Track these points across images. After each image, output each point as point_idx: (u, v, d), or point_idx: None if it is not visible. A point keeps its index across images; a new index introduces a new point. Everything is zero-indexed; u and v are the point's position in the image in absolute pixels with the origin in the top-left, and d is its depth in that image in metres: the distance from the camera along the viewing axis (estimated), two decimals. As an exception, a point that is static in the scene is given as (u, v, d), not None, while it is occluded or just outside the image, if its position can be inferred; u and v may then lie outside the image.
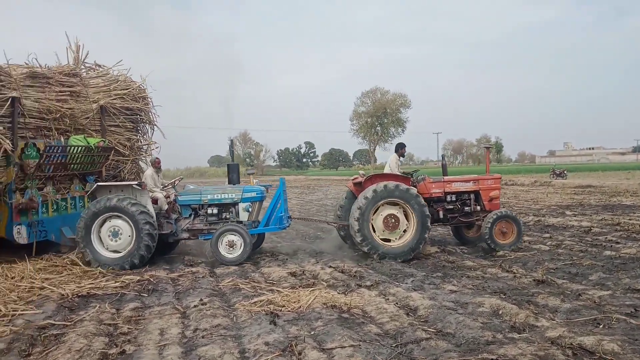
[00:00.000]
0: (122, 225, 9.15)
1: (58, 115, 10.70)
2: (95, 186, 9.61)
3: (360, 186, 10.02)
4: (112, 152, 12.04)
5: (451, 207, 10.32)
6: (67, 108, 10.90)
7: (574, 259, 8.74)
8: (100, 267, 8.87)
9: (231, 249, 9.30)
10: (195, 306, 6.40)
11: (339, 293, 6.86)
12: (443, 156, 12.06)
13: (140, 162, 13.30)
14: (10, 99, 9.33)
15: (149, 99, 13.30)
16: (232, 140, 12.03)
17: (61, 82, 11.10)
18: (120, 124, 12.54)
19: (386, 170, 10.42)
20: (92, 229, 9.08)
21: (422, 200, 9.51)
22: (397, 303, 6.35)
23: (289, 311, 6.14)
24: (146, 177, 10.40)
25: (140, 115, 13.14)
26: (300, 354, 4.71)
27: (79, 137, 10.97)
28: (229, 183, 10.65)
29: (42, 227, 9.81)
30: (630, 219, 13.66)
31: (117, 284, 7.87)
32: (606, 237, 10.93)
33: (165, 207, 9.87)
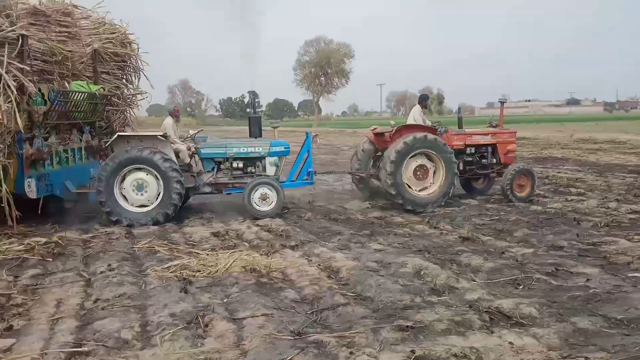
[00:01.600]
0: (146, 178, 8.65)
1: (60, 58, 9.38)
2: (115, 136, 8.93)
3: (381, 136, 10.18)
4: (110, 100, 11.00)
5: (470, 159, 10.47)
6: (67, 50, 9.60)
7: (501, 214, 8.77)
8: (129, 224, 8.45)
9: (264, 202, 9.07)
10: (101, 272, 5.92)
11: (261, 255, 6.52)
12: (460, 109, 12.13)
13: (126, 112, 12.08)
14: (20, 37, 8.08)
15: (135, 45, 11.96)
16: (254, 93, 11.45)
17: (59, 22, 9.70)
18: (109, 71, 11.33)
19: (409, 122, 10.30)
20: (115, 183, 8.54)
21: (451, 150, 9.59)
22: (319, 264, 6.09)
23: (205, 276, 5.76)
24: (166, 127, 9.72)
25: (126, 63, 11.89)
26: (207, 325, 4.37)
27: (81, 83, 9.75)
28: (250, 136, 10.26)
29: (49, 180, 8.79)
30: (559, 172, 14.00)
31: (20, 247, 7.19)
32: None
33: (188, 159, 9.42)
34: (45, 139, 8.84)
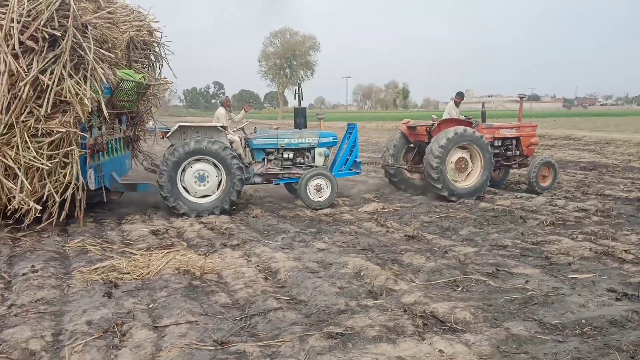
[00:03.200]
0: (207, 168, 8.62)
1: (110, 45, 8.60)
2: (176, 127, 8.84)
3: (413, 130, 10.78)
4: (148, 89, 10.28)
5: (497, 151, 10.79)
6: (114, 37, 8.76)
7: (449, 212, 8.70)
8: (198, 215, 8.43)
9: (318, 192, 9.21)
10: (23, 274, 5.54)
11: (199, 255, 6.26)
12: (483, 104, 12.45)
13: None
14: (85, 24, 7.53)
15: (159, 33, 11.01)
16: (299, 84, 11.03)
17: (107, 8, 8.80)
18: (139, 59, 10.60)
19: (445, 117, 10.69)
20: (177, 176, 8.49)
21: (487, 143, 10.09)
22: (258, 265, 5.86)
23: (134, 279, 5.46)
24: (220, 117, 9.98)
25: (153, 51, 11.10)
26: (124, 335, 4.08)
27: (127, 72, 9.09)
28: (295, 127, 10.46)
29: (102, 171, 8.40)
30: (511, 168, 14.03)
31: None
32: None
33: (241, 150, 9.37)
34: (98, 129, 8.51)
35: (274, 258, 6.02)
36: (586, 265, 5.75)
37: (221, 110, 10.13)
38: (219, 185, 8.69)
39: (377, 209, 9.10)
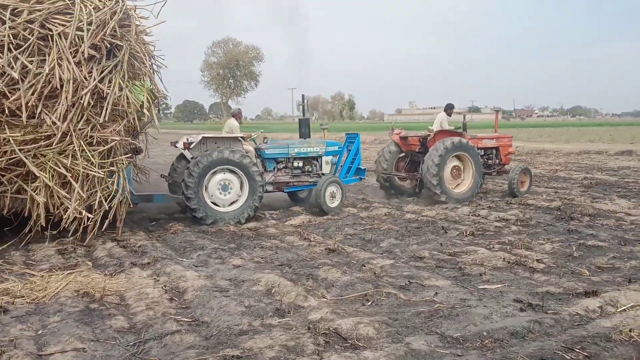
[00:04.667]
0: (230, 178, 8.88)
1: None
2: (200, 138, 9.06)
3: (405, 139, 11.61)
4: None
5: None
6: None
7: (374, 223, 8.68)
8: (221, 224, 8.59)
9: (332, 198, 9.71)
10: None
11: (104, 275, 5.92)
12: (464, 115, 13.19)
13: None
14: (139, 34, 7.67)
15: (152, 47, 10.27)
16: (303, 96, 11.62)
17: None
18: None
19: (436, 128, 11.41)
20: (203, 184, 8.65)
21: (478, 152, 11.06)
22: (166, 285, 5.59)
23: (27, 303, 5.08)
24: (234, 128, 10.48)
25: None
26: (0, 367, 3.75)
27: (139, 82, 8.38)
28: (300, 137, 10.96)
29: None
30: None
31: None
32: (414, 198, 11.20)
33: (255, 160, 9.55)
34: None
35: (183, 277, 5.76)
36: (497, 276, 5.80)
37: (234, 122, 10.70)
38: (241, 194, 8.99)
39: (303, 222, 8.98)
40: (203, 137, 9.08)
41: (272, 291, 5.33)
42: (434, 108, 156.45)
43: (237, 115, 10.95)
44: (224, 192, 8.86)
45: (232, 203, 8.94)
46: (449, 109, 11.71)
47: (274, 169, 10.04)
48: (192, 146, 9.03)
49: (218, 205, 8.84)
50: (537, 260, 6.31)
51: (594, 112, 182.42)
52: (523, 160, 21.04)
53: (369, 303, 5.01)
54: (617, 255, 6.55)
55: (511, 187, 11.30)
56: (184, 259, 6.68)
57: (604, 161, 20.89)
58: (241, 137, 9.39)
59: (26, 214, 7.11)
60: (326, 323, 4.41)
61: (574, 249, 6.81)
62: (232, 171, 8.87)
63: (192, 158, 8.93)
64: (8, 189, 6.94)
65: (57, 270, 6.07)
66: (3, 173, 6.84)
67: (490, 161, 11.98)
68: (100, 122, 7.09)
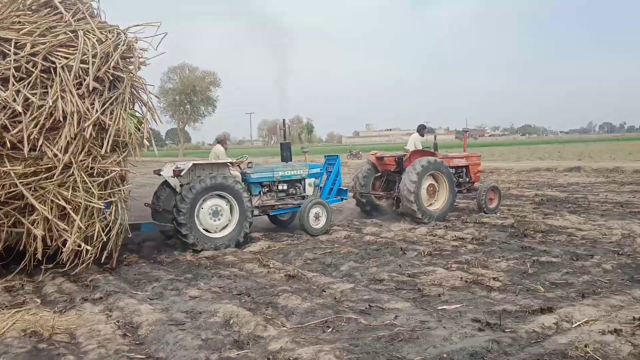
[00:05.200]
0: (220, 203, 8.93)
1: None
2: (191, 164, 9.05)
3: (381, 160, 12.06)
4: None
5: None
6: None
7: (334, 246, 8.66)
8: (212, 249, 8.58)
9: (317, 220, 9.93)
10: None
11: (54, 312, 5.65)
12: (435, 136, 13.61)
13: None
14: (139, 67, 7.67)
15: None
16: (284, 121, 11.84)
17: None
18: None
19: (410, 147, 11.96)
20: (195, 210, 8.63)
21: (451, 171, 11.47)
22: (119, 321, 5.37)
23: (-32, 346, 4.78)
24: (220, 155, 10.67)
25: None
26: None
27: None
28: (282, 161, 11.24)
29: None
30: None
31: None
32: (372, 220, 11.26)
33: (244, 185, 9.49)
34: None
35: (137, 311, 5.55)
36: (455, 296, 5.85)
37: (220, 148, 10.88)
38: (231, 219, 9.04)
39: (262, 248, 8.87)
40: (193, 163, 9.12)
41: (231, 322, 5.20)
42: (390, 130, 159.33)
43: (222, 141, 11.10)
44: (215, 218, 8.90)
45: (222, 229, 8.98)
46: (421, 129, 12.42)
47: (260, 192, 10.16)
48: (182, 173, 8.98)
49: (209, 232, 8.85)
50: (494, 279, 6.41)
51: (542, 130, 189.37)
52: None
53: (330, 330, 4.95)
54: (570, 271, 6.72)
55: (480, 204, 11.77)
56: (138, 292, 6.46)
57: (553, 178, 21.62)
58: (230, 162, 9.54)
59: (21, 248, 6.98)
60: (286, 353, 4.32)
61: (529, 266, 6.96)
62: (222, 197, 8.95)
63: (181, 185, 8.92)
64: (4, 222, 6.76)
65: (3, 309, 5.75)
66: (0, 207, 6.67)
67: (460, 179, 12.42)
68: (102, 153, 7.09)
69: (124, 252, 8.62)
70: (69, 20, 7.21)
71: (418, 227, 10.23)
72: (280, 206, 10.34)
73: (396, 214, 11.78)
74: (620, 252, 7.62)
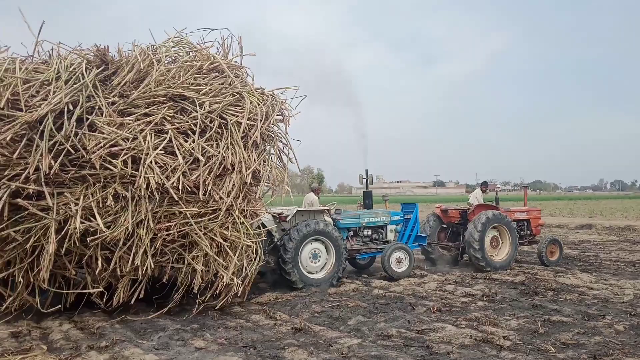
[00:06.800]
0: (319, 247, 9.78)
1: None
2: (295, 210, 10.04)
3: (445, 213, 12.97)
4: None
5: None
6: None
7: (342, 299, 8.58)
8: (304, 287, 9.36)
9: (399, 264, 10.51)
10: None
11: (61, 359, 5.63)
12: (496, 191, 14.76)
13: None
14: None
15: None
16: (366, 171, 12.50)
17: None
18: None
19: (474, 202, 12.82)
20: (299, 251, 9.49)
21: (514, 224, 12.19)
22: (124, 370, 5.34)
23: (-28, 393, 4.77)
24: (314, 202, 11.51)
25: None
26: None
27: None
28: (364, 208, 11.91)
29: None
30: (416, 254, 14.20)
31: None
32: (381, 273, 11.18)
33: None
34: None
35: (143, 361, 5.52)
36: (465, 354, 5.75)
37: (314, 196, 11.73)
38: (327, 262, 9.86)
39: (270, 299, 8.81)
40: (297, 210, 10.07)
41: (236, 375, 5.15)
42: (400, 182, 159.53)
43: (316, 190, 12.02)
44: (315, 260, 9.74)
45: (319, 270, 9.81)
46: (484, 186, 13.61)
47: (347, 237, 10.83)
48: (288, 218, 9.88)
49: (310, 273, 9.67)
50: (504, 337, 6.31)
51: (553, 187, 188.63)
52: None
53: (336, 386, 4.87)
54: (581, 331, 6.60)
55: (540, 257, 12.31)
56: (144, 342, 6.42)
57: (565, 235, 21.40)
58: (327, 209, 10.51)
59: (179, 282, 7.76)
60: (291, 409, 4.26)
61: (539, 325, 6.85)
62: (320, 240, 9.78)
63: (283, 229, 9.85)
64: (170, 258, 7.57)
65: (9, 355, 5.75)
66: (169, 244, 7.44)
67: (522, 232, 12.90)
68: (257, 197, 8.29)
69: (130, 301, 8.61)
70: (235, 83, 8.31)
71: (428, 281, 10.14)
72: (364, 250, 11.08)
73: (460, 263, 12.58)
74: (632, 313, 7.48)
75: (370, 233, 11.21)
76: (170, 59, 8.44)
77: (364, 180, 12.50)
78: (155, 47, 8.41)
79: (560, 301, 8.42)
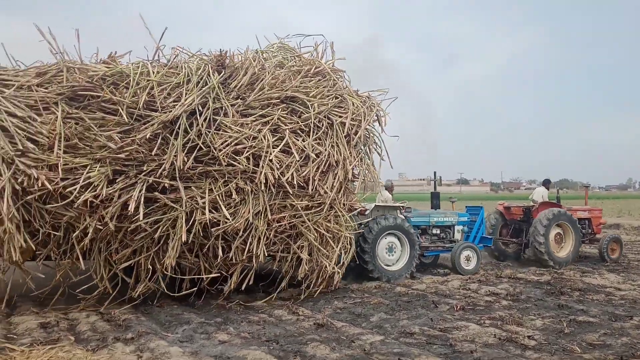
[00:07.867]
0: (394, 241, 10.24)
1: None
2: (374, 205, 10.54)
3: (508, 210, 13.42)
4: None
5: None
6: None
7: (364, 296, 8.58)
8: (387, 280, 9.79)
9: (467, 262, 10.97)
10: None
11: (87, 350, 5.75)
12: (558, 190, 14.92)
13: None
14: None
15: None
16: (435, 173, 13.09)
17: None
18: None
19: (537, 199, 12.98)
20: (376, 244, 9.94)
21: (577, 220, 12.50)
22: (148, 362, 5.42)
23: (4, 380, 4.90)
24: (388, 199, 11.70)
25: None
26: None
27: None
28: (432, 208, 12.39)
29: None
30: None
31: None
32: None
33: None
34: None
35: (167, 353, 5.60)
36: (488, 353, 5.70)
37: (388, 194, 11.89)
38: (402, 255, 10.28)
39: (292, 295, 8.84)
40: (375, 205, 10.55)
41: (259, 369, 5.19)
42: (423, 179, 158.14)
43: (389, 188, 12.22)
44: (390, 253, 10.16)
45: (395, 263, 10.24)
46: (547, 183, 13.67)
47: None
48: (367, 212, 10.35)
49: (387, 265, 10.10)
50: (529, 337, 6.23)
51: (580, 186, 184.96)
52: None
53: (358, 382, 4.88)
54: (608, 332, 6.48)
55: (602, 254, 12.62)
56: (169, 334, 6.51)
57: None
58: (401, 206, 10.89)
59: (283, 271, 8.55)
60: (313, 403, 4.28)
61: (565, 325, 6.75)
62: (395, 235, 10.24)
63: (361, 223, 10.12)
64: (279, 249, 8.24)
65: (38, 345, 5.89)
66: (279, 234, 8.07)
67: (583, 230, 13.08)
68: (355, 192, 9.00)
69: (156, 294, 8.74)
70: (337, 86, 8.92)
71: (451, 280, 10.08)
72: (433, 248, 11.46)
73: (522, 259, 12.89)
74: (662, 315, 7.32)
75: (438, 232, 11.64)
76: (277, 63, 9.04)
77: (434, 182, 13.05)
78: (262, 52, 9.15)
79: (587, 301, 8.28)
